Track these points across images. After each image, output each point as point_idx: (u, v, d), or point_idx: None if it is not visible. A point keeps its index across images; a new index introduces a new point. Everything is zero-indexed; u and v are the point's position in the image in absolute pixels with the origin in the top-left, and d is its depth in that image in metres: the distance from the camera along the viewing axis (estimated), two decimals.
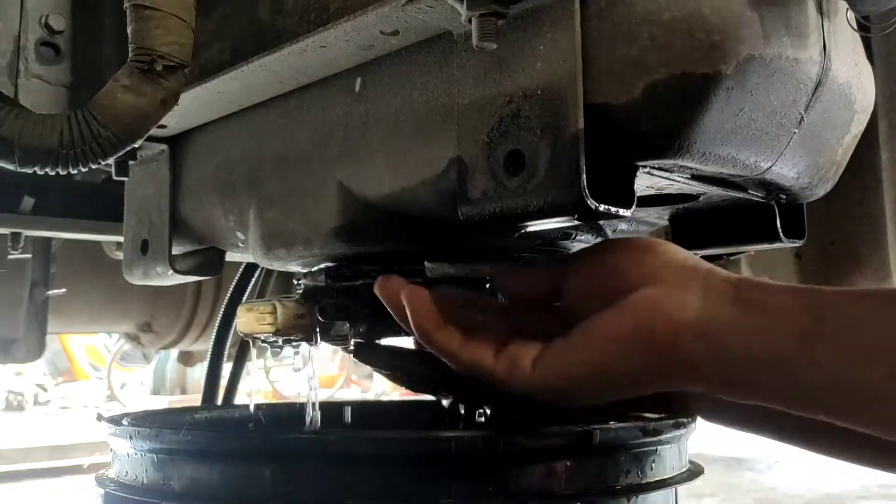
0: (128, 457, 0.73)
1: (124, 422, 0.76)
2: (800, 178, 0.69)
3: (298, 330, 0.80)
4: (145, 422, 0.79)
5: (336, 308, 0.80)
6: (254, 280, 1.74)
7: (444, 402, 0.86)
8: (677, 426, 0.74)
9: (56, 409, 9.33)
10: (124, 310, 2.61)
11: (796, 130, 0.64)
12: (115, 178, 1.03)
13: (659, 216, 0.83)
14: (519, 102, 0.60)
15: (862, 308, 0.56)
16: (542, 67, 0.59)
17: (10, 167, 0.73)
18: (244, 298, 1.72)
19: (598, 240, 0.82)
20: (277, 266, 0.89)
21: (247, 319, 0.79)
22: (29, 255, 1.60)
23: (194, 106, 0.85)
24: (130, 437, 0.72)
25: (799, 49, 0.60)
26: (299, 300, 0.81)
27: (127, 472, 0.73)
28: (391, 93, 0.71)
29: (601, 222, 0.79)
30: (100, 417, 0.81)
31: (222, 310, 1.72)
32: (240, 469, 0.66)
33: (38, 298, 2.08)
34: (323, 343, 0.82)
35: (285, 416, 1.01)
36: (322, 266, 0.84)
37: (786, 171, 0.67)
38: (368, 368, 0.84)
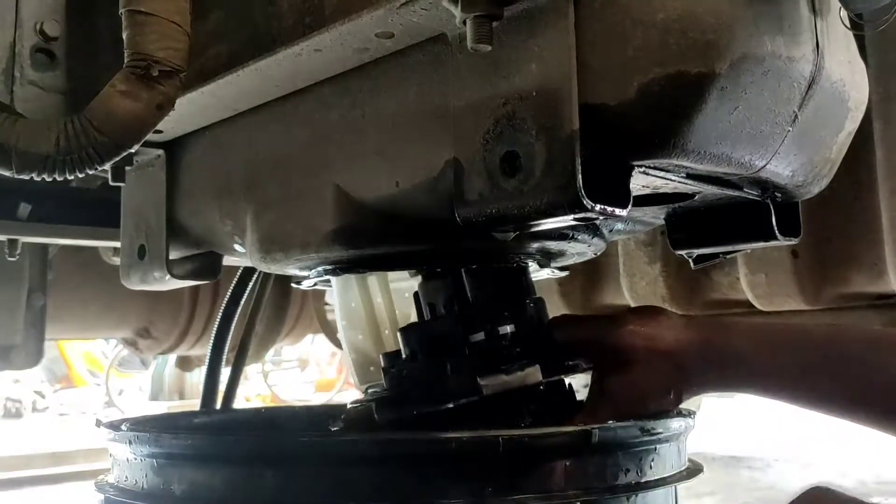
0: (127, 462, 0.73)
1: (123, 427, 0.76)
2: (795, 176, 0.69)
3: None
4: (144, 427, 0.79)
5: None
6: (251, 284, 1.74)
7: None
8: (676, 425, 0.74)
9: (54, 416, 9.30)
10: (122, 315, 2.60)
11: (790, 128, 0.64)
12: (111, 183, 1.03)
13: (655, 216, 0.84)
14: (514, 104, 0.60)
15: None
16: (536, 69, 0.59)
17: (8, 174, 0.73)
18: (241, 303, 1.72)
19: (596, 239, 0.82)
20: (275, 269, 0.89)
21: None
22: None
23: (190, 110, 0.85)
24: (130, 442, 0.72)
25: (792, 47, 0.60)
26: None
27: (126, 477, 0.73)
28: (387, 95, 0.71)
29: (598, 222, 0.80)
30: (99, 423, 0.80)
31: (220, 314, 1.71)
32: (240, 472, 0.66)
33: (36, 305, 2.08)
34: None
35: (284, 419, 1.01)
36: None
37: (781, 169, 0.67)
38: None
